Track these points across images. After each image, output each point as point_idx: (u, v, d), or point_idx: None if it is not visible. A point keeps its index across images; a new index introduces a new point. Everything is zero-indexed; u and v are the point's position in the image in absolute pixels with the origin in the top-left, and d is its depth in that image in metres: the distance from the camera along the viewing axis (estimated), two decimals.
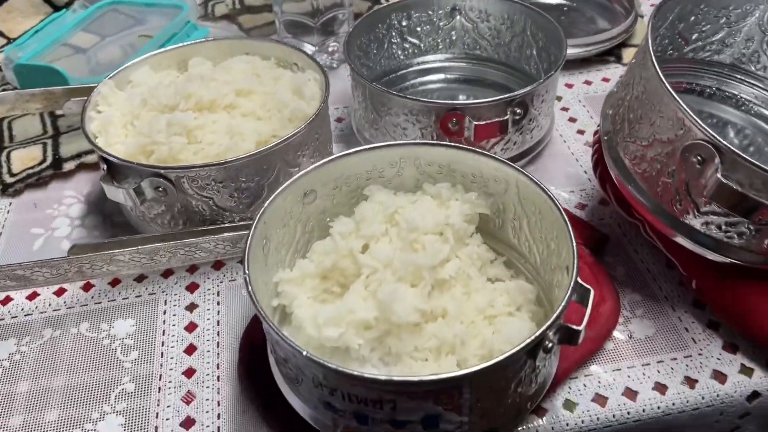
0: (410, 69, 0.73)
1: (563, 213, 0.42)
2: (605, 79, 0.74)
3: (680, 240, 0.45)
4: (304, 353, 0.36)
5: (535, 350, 0.37)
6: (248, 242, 0.42)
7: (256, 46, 0.64)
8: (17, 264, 0.49)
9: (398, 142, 0.49)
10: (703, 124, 0.40)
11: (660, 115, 0.43)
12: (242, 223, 0.53)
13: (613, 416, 0.44)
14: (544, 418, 0.44)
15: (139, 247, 0.50)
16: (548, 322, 0.36)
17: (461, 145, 0.48)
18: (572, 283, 0.38)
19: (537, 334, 0.36)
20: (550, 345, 0.37)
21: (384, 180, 0.51)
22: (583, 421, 0.44)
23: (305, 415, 0.42)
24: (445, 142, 0.48)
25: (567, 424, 0.44)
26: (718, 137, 0.40)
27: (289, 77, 0.60)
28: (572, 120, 0.69)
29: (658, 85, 0.42)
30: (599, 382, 0.46)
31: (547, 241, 0.45)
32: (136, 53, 0.74)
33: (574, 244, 0.40)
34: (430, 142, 0.49)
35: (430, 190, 0.49)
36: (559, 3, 0.83)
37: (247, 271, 0.40)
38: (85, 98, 0.59)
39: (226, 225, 0.53)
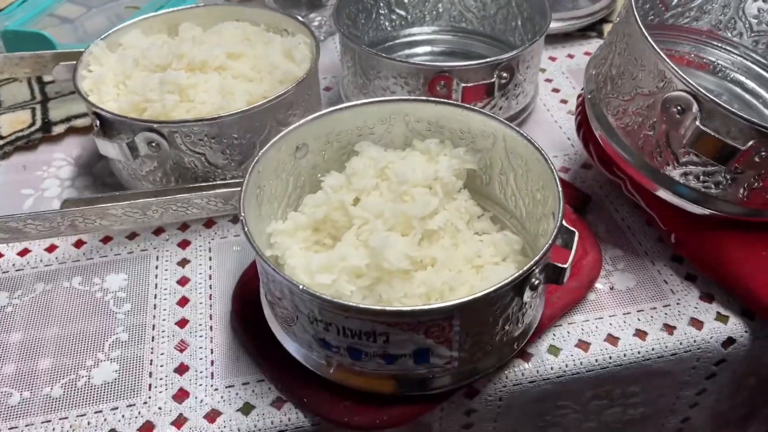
0: (397, 41, 0.74)
1: (549, 161, 0.44)
2: (587, 53, 0.76)
3: (661, 193, 0.47)
4: (301, 287, 0.37)
5: (522, 286, 0.38)
6: (244, 187, 0.42)
7: (246, 12, 0.65)
8: (10, 216, 0.49)
9: (388, 98, 0.50)
10: (683, 75, 0.42)
11: (642, 68, 0.45)
12: (233, 180, 0.54)
13: (596, 361, 0.46)
14: (529, 362, 0.46)
15: (132, 201, 0.51)
16: (535, 258, 0.38)
17: (450, 101, 0.49)
18: (558, 223, 0.39)
19: (525, 269, 0.37)
20: (537, 282, 0.39)
21: (374, 137, 0.52)
22: (567, 365, 0.46)
23: (299, 356, 0.43)
24: (434, 99, 0.50)
25: (551, 368, 0.45)
26: (696, 86, 0.41)
27: (279, 41, 0.61)
28: (556, 90, 0.71)
29: (640, 39, 0.44)
30: (582, 329, 0.48)
31: (533, 193, 0.47)
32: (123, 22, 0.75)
33: (560, 188, 0.41)
34: (420, 98, 0.50)
35: (419, 146, 0.51)
36: None
37: (243, 213, 0.41)
38: (75, 62, 0.60)
39: (218, 182, 0.54)
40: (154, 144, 0.51)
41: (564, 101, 0.69)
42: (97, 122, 0.52)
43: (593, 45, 0.77)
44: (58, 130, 0.65)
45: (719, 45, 0.58)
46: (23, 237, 0.51)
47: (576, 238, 0.41)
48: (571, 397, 0.47)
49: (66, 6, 0.82)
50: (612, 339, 0.47)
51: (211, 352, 0.47)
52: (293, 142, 0.48)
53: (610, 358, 0.46)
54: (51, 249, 0.55)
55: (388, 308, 0.36)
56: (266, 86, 0.57)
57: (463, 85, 0.57)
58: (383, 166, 0.49)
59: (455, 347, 0.38)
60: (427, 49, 0.74)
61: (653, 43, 0.43)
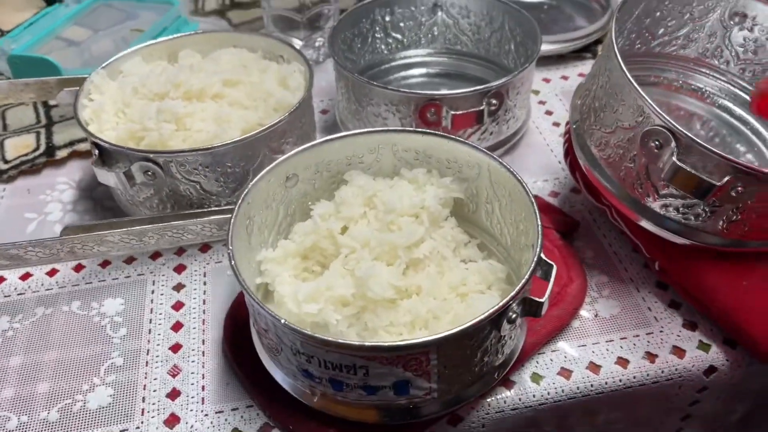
0: (393, 63, 0.75)
1: (530, 193, 0.45)
2: (581, 74, 0.77)
3: (644, 223, 0.48)
4: (282, 321, 0.38)
5: (499, 320, 0.39)
6: (232, 219, 0.44)
7: (244, 39, 0.66)
8: (11, 243, 0.51)
9: (377, 129, 0.51)
10: (660, 111, 0.43)
11: (622, 103, 0.46)
12: (228, 207, 0.55)
13: (578, 388, 0.47)
14: (512, 390, 0.46)
15: (129, 228, 0.52)
16: (512, 293, 0.39)
17: (436, 132, 0.50)
18: (536, 257, 0.40)
19: (500, 304, 0.38)
20: (514, 316, 0.40)
21: (363, 166, 0.53)
22: (548, 393, 0.47)
23: (285, 384, 0.44)
24: (421, 129, 0.51)
25: (533, 396, 0.46)
26: (674, 123, 0.42)
27: (275, 69, 0.63)
28: (549, 113, 0.71)
29: (620, 75, 0.45)
30: (565, 357, 0.48)
31: (517, 223, 0.48)
32: (129, 47, 0.77)
33: (539, 221, 0.42)
34: (407, 129, 0.51)
35: (407, 175, 0.52)
36: (540, 1, 0.85)
37: (230, 246, 0.42)
38: (78, 88, 0.62)
39: (213, 209, 0.55)
40: (149, 173, 0.53)
41: (557, 124, 0.70)
42: (96, 151, 0.54)
43: (587, 66, 0.78)
44: (61, 154, 0.67)
45: (707, 72, 0.59)
46: (24, 263, 0.52)
47: (554, 272, 0.42)
48: (554, 423, 0.48)
49: (72, 29, 0.85)
50: (594, 367, 0.48)
51: (203, 378, 0.48)
52: (283, 172, 0.50)
53: (592, 386, 0.47)
54: (52, 273, 0.56)
55: (366, 344, 0.37)
56: (261, 114, 0.59)
57: (453, 112, 0.58)
58: (371, 194, 0.51)
59: (434, 379, 0.40)
60: (423, 71, 0.75)
61: (631, 79, 0.44)
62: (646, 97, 0.43)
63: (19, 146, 0.68)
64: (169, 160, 0.53)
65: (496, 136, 0.63)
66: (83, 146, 0.68)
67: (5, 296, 0.55)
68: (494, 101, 0.59)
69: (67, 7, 0.88)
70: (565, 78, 0.76)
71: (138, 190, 0.55)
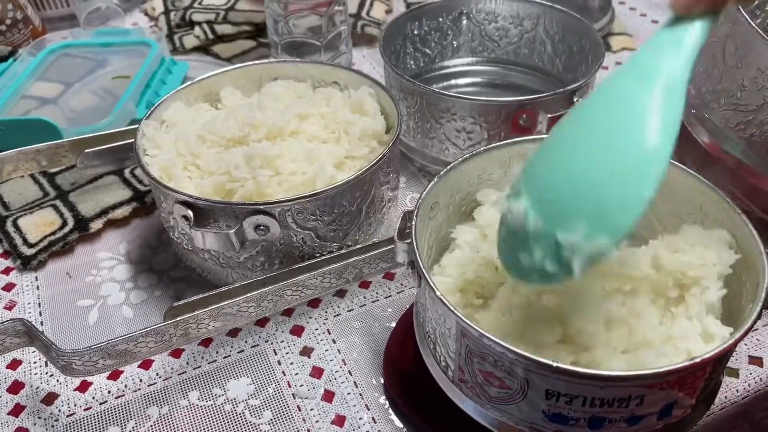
0: (425, 77, 0.72)
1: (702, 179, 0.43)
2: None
3: None
4: (554, 365, 0.33)
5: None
6: (423, 271, 0.38)
7: (286, 69, 0.60)
8: (119, 338, 0.42)
9: (511, 140, 0.47)
10: None
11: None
12: (341, 252, 0.49)
13: None
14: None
15: (248, 294, 0.45)
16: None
17: None
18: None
19: (759, 307, 0.36)
20: None
21: (491, 182, 0.49)
22: (749, 384, 0.45)
23: None
24: None
25: (736, 390, 0.45)
26: None
27: (339, 96, 0.57)
28: None
29: (755, 42, 0.44)
30: (747, 344, 0.47)
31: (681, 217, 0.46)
32: (125, 95, 0.68)
33: (737, 208, 0.41)
34: (543, 136, 0.48)
35: None
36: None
37: (442, 296, 0.37)
38: (101, 147, 0.55)
39: (326, 257, 0.49)
40: (262, 227, 0.46)
41: None
42: (189, 213, 0.46)
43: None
44: (95, 226, 0.57)
45: None
46: (132, 359, 0.43)
47: None
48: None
49: (38, 85, 0.74)
50: None
51: None
52: (429, 202, 0.45)
53: None
54: (146, 365, 0.47)
55: (664, 369, 0.33)
56: (347, 145, 0.53)
57: (549, 115, 0.55)
58: None
59: (696, 394, 0.36)
60: (458, 81, 0.72)
61: None
62: None
63: (40, 225, 0.57)
64: (286, 209, 0.46)
65: None
66: (119, 213, 0.58)
67: (101, 403, 0.45)
68: (580, 99, 0.57)
69: (23, 62, 0.77)
70: None
71: (242, 249, 0.48)
